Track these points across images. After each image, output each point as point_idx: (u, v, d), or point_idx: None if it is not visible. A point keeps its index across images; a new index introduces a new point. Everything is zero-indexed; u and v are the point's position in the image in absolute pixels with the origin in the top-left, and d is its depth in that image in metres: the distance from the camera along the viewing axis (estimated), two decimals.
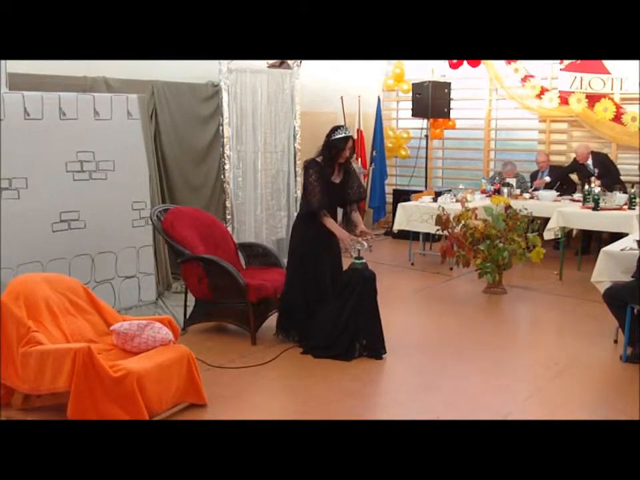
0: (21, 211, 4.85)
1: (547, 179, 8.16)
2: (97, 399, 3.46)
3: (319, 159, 4.74)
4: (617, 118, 8.19)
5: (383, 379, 4.52)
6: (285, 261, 5.27)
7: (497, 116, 9.57)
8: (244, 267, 5.48)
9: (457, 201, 7.25)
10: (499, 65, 8.98)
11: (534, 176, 8.50)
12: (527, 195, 7.90)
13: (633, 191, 7.21)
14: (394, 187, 9.88)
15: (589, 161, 7.93)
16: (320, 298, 4.77)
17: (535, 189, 8.09)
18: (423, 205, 7.56)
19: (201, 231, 5.26)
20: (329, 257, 4.88)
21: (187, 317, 5.26)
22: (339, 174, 4.82)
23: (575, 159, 8.13)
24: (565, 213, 6.99)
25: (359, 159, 9.18)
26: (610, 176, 7.66)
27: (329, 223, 4.73)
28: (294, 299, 4.84)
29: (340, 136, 4.67)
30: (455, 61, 9.01)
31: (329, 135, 4.74)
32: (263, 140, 6.87)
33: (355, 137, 9.17)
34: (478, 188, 8.39)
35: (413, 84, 9.13)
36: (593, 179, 7.37)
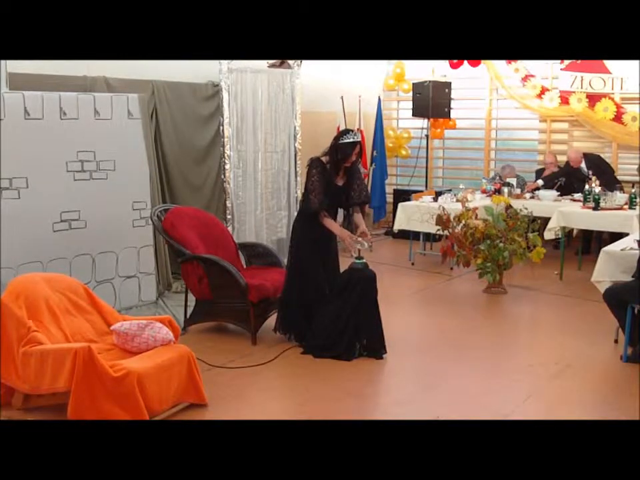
0: (21, 210, 4.84)
1: (540, 182, 8.15)
2: (97, 399, 3.46)
3: (323, 159, 4.72)
4: (618, 118, 8.18)
5: (382, 379, 4.52)
6: (285, 260, 5.28)
7: (498, 116, 9.57)
8: (244, 266, 5.48)
9: (457, 200, 7.25)
10: (500, 64, 8.98)
11: (539, 173, 8.47)
12: (527, 195, 7.90)
13: (633, 190, 7.22)
14: (394, 187, 9.88)
15: (582, 164, 7.91)
16: (320, 297, 4.78)
17: (529, 191, 8.06)
18: (424, 204, 7.55)
19: (201, 231, 5.27)
20: (329, 256, 4.89)
21: (187, 316, 5.26)
22: (342, 176, 4.80)
23: (567, 163, 8.09)
24: (565, 212, 7.00)
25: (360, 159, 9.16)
26: (605, 175, 7.65)
27: (328, 222, 4.72)
28: (294, 298, 4.84)
29: (348, 140, 4.63)
30: (455, 61, 9.01)
31: (337, 138, 4.70)
32: (263, 140, 6.87)
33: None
34: (478, 188, 8.39)
35: (413, 84, 9.13)
36: (594, 178, 7.37)
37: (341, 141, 4.64)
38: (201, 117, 6.95)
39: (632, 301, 4.50)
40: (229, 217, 6.58)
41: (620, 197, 7.07)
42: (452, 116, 9.28)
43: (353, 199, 4.86)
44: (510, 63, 8.80)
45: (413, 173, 9.96)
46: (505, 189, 7.70)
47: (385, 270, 7.16)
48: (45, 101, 4.96)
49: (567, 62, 8.37)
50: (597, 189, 7.02)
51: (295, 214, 5.68)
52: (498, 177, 8.42)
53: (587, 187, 7.22)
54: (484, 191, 8.13)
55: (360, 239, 4.75)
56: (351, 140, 4.63)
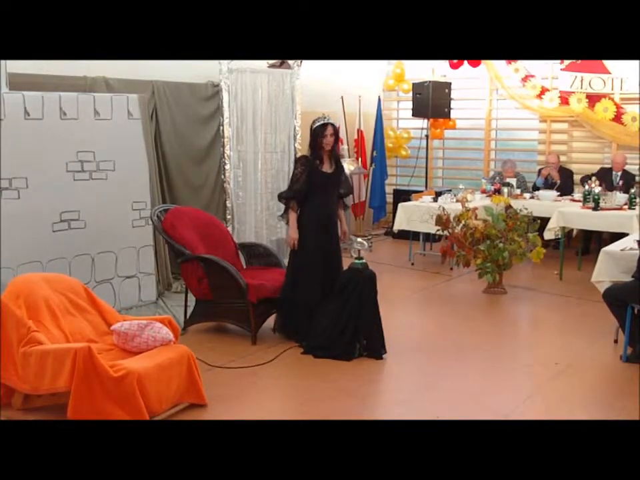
0: (21, 210, 4.84)
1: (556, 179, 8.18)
2: (97, 399, 3.46)
3: (308, 154, 4.92)
4: (617, 118, 8.19)
5: (382, 379, 4.52)
6: (285, 261, 5.28)
7: (497, 116, 9.57)
8: (244, 266, 5.48)
9: (457, 200, 7.25)
10: (499, 64, 8.98)
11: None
12: (527, 195, 7.91)
13: (632, 190, 7.22)
14: (394, 187, 9.88)
15: (619, 172, 7.91)
16: (321, 297, 4.79)
17: (545, 180, 8.15)
18: (423, 204, 7.56)
19: (201, 231, 5.26)
20: (330, 256, 4.91)
21: (187, 316, 5.26)
22: (330, 165, 4.91)
23: (601, 169, 8.05)
24: (565, 212, 6.99)
25: (359, 159, 9.18)
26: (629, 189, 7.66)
27: (292, 216, 4.90)
28: (294, 297, 4.85)
29: (319, 124, 4.85)
30: (455, 61, 9.01)
31: (311, 127, 4.92)
32: (263, 140, 6.87)
33: (355, 134, 9.22)
34: (478, 188, 8.39)
35: (413, 84, 9.13)
36: (593, 178, 7.37)
37: (314, 127, 4.87)
38: (201, 117, 6.95)
39: (632, 301, 4.50)
40: (228, 217, 6.58)
41: (620, 197, 7.07)
42: (452, 116, 9.29)
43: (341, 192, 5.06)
44: (510, 63, 8.80)
45: (413, 173, 9.96)
46: (505, 189, 7.70)
47: (384, 270, 7.16)
48: (45, 101, 4.96)
49: (566, 62, 8.37)
50: (597, 189, 7.02)
51: None
52: (498, 177, 8.43)
53: (586, 187, 7.23)
54: (484, 191, 8.14)
55: (359, 239, 4.80)
56: (321, 122, 4.85)
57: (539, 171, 8.54)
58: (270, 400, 4.11)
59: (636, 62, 7.40)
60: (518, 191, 7.93)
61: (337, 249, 5.01)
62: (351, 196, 8.60)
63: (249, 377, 4.35)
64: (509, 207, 6.64)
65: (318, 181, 4.83)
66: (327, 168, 4.90)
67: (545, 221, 7.08)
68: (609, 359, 4.74)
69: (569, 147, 8.99)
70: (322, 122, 4.84)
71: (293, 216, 4.91)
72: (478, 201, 7.52)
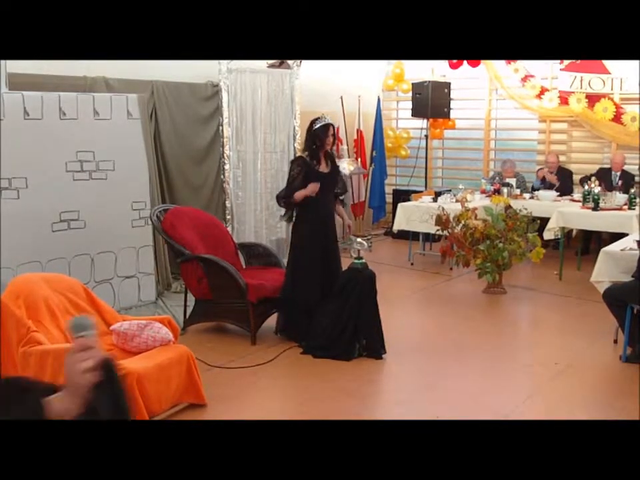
0: (21, 210, 4.84)
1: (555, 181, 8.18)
2: None
3: (304, 155, 4.91)
4: (617, 118, 8.19)
5: (382, 379, 4.52)
6: (285, 261, 5.28)
7: (497, 116, 9.58)
8: (243, 266, 5.48)
9: (456, 201, 7.25)
10: (499, 64, 8.99)
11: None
12: (527, 195, 7.91)
13: (632, 190, 7.22)
14: (394, 187, 9.89)
15: (618, 172, 7.92)
16: (320, 297, 4.79)
17: (542, 181, 8.15)
18: (423, 205, 7.56)
19: (201, 231, 5.27)
20: (330, 257, 4.91)
21: (187, 316, 5.26)
22: (326, 165, 4.93)
23: (601, 169, 8.07)
24: (564, 213, 7.00)
25: (359, 159, 9.17)
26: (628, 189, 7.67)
27: (297, 194, 4.82)
28: (294, 296, 4.85)
29: (320, 124, 4.84)
30: (454, 61, 9.01)
31: (309, 128, 4.91)
32: (262, 140, 6.87)
33: (355, 134, 9.22)
34: (478, 188, 8.40)
35: (412, 84, 9.13)
36: (593, 178, 7.37)
37: (315, 128, 4.85)
38: (201, 117, 6.95)
39: (631, 301, 4.50)
40: (228, 217, 6.58)
41: (619, 197, 7.07)
42: (451, 116, 9.29)
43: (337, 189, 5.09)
44: (509, 63, 8.81)
45: (413, 173, 9.96)
46: (505, 189, 7.70)
47: (384, 270, 7.16)
48: (45, 101, 4.96)
49: (566, 62, 8.37)
50: (597, 189, 7.03)
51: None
52: (497, 177, 8.43)
53: (585, 187, 7.23)
54: (483, 191, 8.14)
55: (359, 239, 4.80)
56: (323, 123, 4.84)
57: (537, 171, 8.55)
58: (269, 400, 4.11)
59: (636, 62, 7.40)
60: (517, 191, 7.93)
61: (335, 248, 5.02)
62: (351, 196, 8.63)
63: (249, 377, 4.36)
64: (508, 207, 6.64)
65: (315, 181, 4.82)
66: (323, 168, 4.90)
67: (544, 221, 7.09)
68: (609, 359, 4.74)
69: (568, 147, 8.99)
70: (324, 122, 4.83)
71: (297, 193, 4.80)
72: (477, 201, 7.52)
